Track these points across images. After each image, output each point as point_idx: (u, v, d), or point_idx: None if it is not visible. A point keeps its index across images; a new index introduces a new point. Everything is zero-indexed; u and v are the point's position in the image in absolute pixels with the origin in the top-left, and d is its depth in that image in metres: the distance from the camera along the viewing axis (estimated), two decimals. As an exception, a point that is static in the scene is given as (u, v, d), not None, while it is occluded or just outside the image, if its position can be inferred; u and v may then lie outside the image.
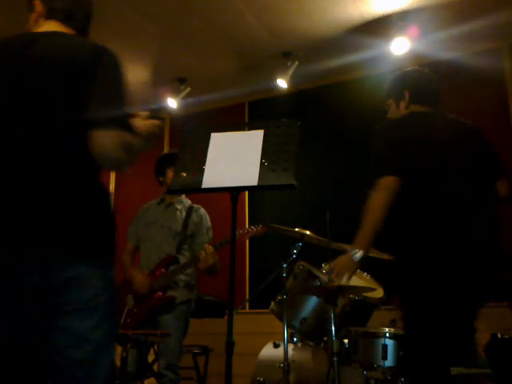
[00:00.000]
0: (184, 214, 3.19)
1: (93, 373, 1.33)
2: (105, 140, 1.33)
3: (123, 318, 2.94)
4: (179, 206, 3.22)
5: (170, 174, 3.17)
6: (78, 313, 1.31)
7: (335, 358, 2.27)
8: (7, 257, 1.31)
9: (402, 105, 2.34)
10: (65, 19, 1.54)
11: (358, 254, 2.12)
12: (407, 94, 2.33)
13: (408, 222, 2.03)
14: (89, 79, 1.39)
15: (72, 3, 1.56)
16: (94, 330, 1.33)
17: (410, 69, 2.46)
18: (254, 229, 3.03)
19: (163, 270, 3.04)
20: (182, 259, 3.10)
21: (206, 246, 2.95)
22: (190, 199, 3.37)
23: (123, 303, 3.01)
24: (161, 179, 3.29)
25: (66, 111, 1.37)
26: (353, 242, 2.15)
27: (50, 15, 1.53)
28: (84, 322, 1.32)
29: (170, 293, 3.01)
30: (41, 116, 1.37)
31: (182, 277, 3.05)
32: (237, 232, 2.96)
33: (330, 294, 2.39)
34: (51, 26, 1.52)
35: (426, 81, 2.36)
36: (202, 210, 3.28)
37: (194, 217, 3.19)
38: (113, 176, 5.05)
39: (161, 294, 3.00)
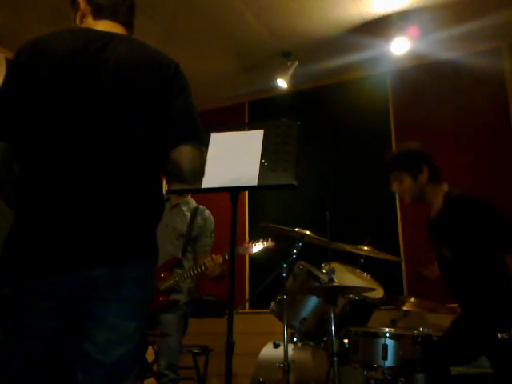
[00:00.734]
0: (189, 215, 3.18)
1: (127, 372, 1.35)
2: (191, 154, 1.41)
3: None
4: (185, 207, 3.21)
5: None
6: (128, 311, 1.34)
7: (335, 358, 2.27)
8: (68, 255, 1.29)
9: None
10: (111, 15, 1.51)
11: None
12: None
13: None
14: (169, 93, 1.45)
15: None
16: (137, 331, 1.36)
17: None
18: (266, 243, 3.04)
19: (168, 272, 3.03)
20: (186, 262, 3.10)
21: (215, 256, 2.95)
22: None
23: None
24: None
25: (145, 125, 1.41)
26: None
27: (96, 13, 1.51)
28: (131, 322, 1.35)
29: (174, 296, 3.02)
30: (119, 124, 1.38)
31: (187, 280, 3.06)
32: (247, 245, 3.01)
33: (330, 293, 2.39)
34: (107, 26, 1.50)
35: None
36: (207, 212, 3.27)
37: (198, 219, 3.18)
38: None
39: (166, 297, 3.00)
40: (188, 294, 3.09)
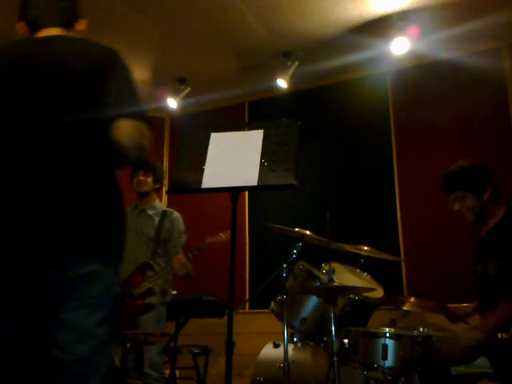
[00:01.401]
0: (157, 219, 3.27)
1: (95, 368, 1.34)
2: (128, 126, 1.39)
3: None
4: (151, 212, 3.30)
5: (134, 181, 3.30)
6: (85, 308, 1.34)
7: (335, 358, 2.27)
8: (20, 254, 1.32)
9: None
10: (45, 24, 1.58)
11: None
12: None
13: None
14: (105, 79, 1.45)
15: (42, 7, 1.61)
16: (99, 326, 1.35)
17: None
18: (223, 236, 3.15)
19: (140, 276, 3.09)
20: (158, 265, 3.18)
21: (178, 256, 3.05)
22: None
23: None
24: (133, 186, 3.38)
25: (83, 109, 1.42)
26: None
27: (33, 27, 1.60)
28: (90, 318, 1.34)
29: (149, 299, 3.09)
30: (56, 115, 1.40)
31: (159, 281, 3.13)
32: (206, 240, 3.11)
33: (330, 293, 2.39)
34: (46, 33, 1.58)
35: None
36: (175, 215, 3.34)
37: (166, 222, 3.26)
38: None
39: (140, 302, 3.05)
40: (162, 295, 3.18)
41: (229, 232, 3.12)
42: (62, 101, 1.42)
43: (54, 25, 1.59)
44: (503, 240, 2.32)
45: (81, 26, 1.67)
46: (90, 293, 1.35)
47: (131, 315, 3.05)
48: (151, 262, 3.15)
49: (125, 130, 1.39)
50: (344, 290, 2.49)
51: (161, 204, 3.41)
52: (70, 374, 1.33)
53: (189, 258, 3.02)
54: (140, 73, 4.50)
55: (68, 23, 1.62)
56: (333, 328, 2.33)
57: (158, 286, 3.15)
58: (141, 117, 1.44)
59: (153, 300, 3.11)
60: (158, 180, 3.35)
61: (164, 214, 3.28)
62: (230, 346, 1.68)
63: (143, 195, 3.31)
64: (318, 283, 2.78)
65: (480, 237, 2.51)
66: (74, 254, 1.34)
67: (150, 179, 3.30)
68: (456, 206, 2.47)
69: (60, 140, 1.39)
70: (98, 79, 1.44)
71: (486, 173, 2.49)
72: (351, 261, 3.16)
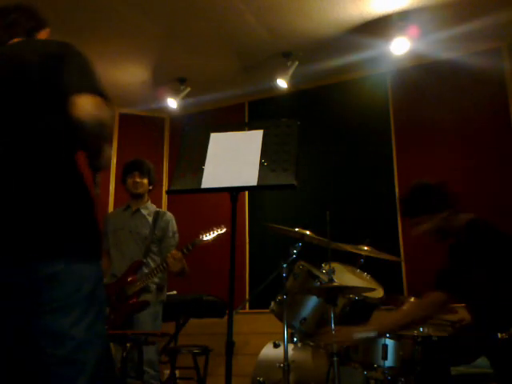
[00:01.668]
0: (150, 219, 3.30)
1: (80, 369, 1.32)
2: (86, 101, 1.37)
3: None
4: (145, 212, 3.33)
5: (129, 182, 3.31)
6: (56, 311, 1.31)
7: (335, 358, 2.27)
8: None
9: None
10: (11, 37, 1.62)
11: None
12: None
13: None
14: (58, 66, 1.44)
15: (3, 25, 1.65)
16: (75, 326, 1.32)
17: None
18: (217, 230, 3.15)
19: (134, 275, 3.11)
20: (152, 263, 3.21)
21: (173, 251, 3.05)
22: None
23: None
24: (125, 186, 3.39)
25: (37, 96, 1.42)
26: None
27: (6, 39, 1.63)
28: (63, 320, 1.31)
29: (144, 296, 3.10)
30: (6, 101, 1.41)
31: (155, 279, 3.15)
32: (200, 236, 3.11)
33: (331, 293, 2.39)
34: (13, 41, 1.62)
35: None
36: (169, 215, 3.38)
37: (160, 222, 3.30)
38: (113, 177, 5.05)
39: (135, 300, 3.07)
40: (157, 292, 3.19)
41: (223, 226, 3.15)
42: (14, 89, 1.42)
43: (18, 36, 1.64)
44: (469, 253, 2.30)
45: (42, 35, 1.72)
46: (58, 295, 1.32)
47: (127, 314, 3.05)
48: (144, 260, 3.17)
49: (81, 105, 1.36)
50: (344, 290, 2.49)
51: (153, 204, 3.44)
52: (55, 378, 1.31)
53: (184, 253, 3.03)
54: (140, 73, 4.50)
55: (29, 34, 1.67)
56: (333, 327, 2.33)
57: (153, 283, 3.17)
58: (99, 93, 1.41)
59: (148, 298, 3.12)
60: (152, 182, 3.38)
61: (157, 214, 3.32)
62: (229, 346, 1.68)
63: (137, 196, 3.33)
64: (318, 283, 2.78)
65: (450, 244, 2.49)
66: (32, 255, 1.31)
67: (145, 181, 3.33)
68: (416, 231, 2.44)
69: (12, 130, 1.39)
70: (51, 66, 1.44)
71: (439, 192, 2.44)
72: (351, 261, 3.16)
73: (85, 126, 1.36)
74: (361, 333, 2.25)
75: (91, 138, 1.40)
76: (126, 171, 3.36)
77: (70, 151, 1.44)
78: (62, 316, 1.32)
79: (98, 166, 1.57)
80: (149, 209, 3.36)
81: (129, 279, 3.09)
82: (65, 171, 1.42)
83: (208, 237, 3.13)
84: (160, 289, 3.22)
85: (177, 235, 3.35)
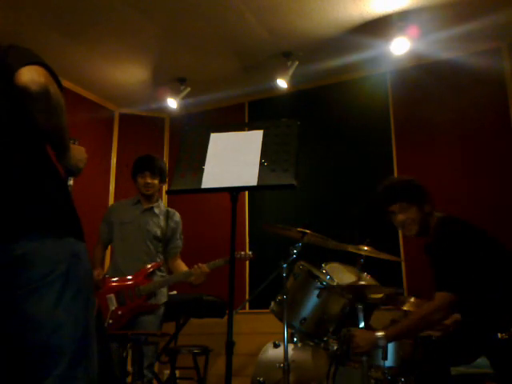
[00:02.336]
0: (161, 218, 3.28)
1: (58, 354, 1.28)
2: (28, 69, 1.33)
3: (108, 318, 3.01)
4: (157, 210, 3.31)
5: (140, 182, 3.28)
6: (32, 293, 1.27)
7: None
8: None
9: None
10: None
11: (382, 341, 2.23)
12: None
13: None
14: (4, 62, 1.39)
15: None
16: (51, 310, 1.28)
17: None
18: (247, 254, 3.25)
19: (149, 277, 3.12)
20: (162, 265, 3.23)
21: (202, 265, 3.06)
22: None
23: (105, 303, 3.06)
24: (135, 184, 3.36)
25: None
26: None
27: None
28: (39, 303, 1.27)
29: (153, 299, 3.12)
30: None
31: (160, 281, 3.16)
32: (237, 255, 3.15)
33: (359, 292, 2.39)
34: None
35: None
36: (178, 216, 3.38)
37: (170, 222, 3.29)
38: (113, 177, 5.05)
39: (147, 301, 3.08)
40: (162, 294, 3.20)
41: (250, 253, 3.25)
42: None
43: None
44: (437, 255, 2.31)
45: None
46: (32, 276, 1.27)
47: (135, 313, 3.05)
48: (161, 262, 3.19)
49: (23, 73, 1.32)
50: (370, 288, 2.48)
51: (162, 203, 3.42)
52: (32, 363, 1.27)
53: (209, 267, 3.06)
54: (140, 73, 4.50)
55: None
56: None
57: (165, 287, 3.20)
58: (43, 66, 1.37)
59: (162, 300, 3.15)
60: (163, 180, 3.34)
61: (167, 214, 3.30)
62: (229, 346, 1.68)
63: (150, 196, 3.31)
64: (318, 283, 2.78)
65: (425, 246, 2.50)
66: (2, 235, 1.27)
67: (156, 181, 3.28)
68: (400, 217, 2.44)
69: None
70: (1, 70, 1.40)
71: (422, 187, 2.48)
72: (351, 261, 3.16)
73: (28, 92, 1.31)
74: (382, 339, 2.23)
75: (39, 107, 1.34)
76: (136, 168, 3.30)
77: (34, 137, 1.41)
78: (38, 299, 1.27)
79: (67, 166, 1.53)
80: (160, 207, 3.33)
81: (145, 280, 3.09)
82: (33, 155, 1.39)
83: (240, 256, 3.20)
84: (166, 292, 3.24)
85: (182, 236, 3.38)
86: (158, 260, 3.22)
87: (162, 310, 3.18)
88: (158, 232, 3.23)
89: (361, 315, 2.34)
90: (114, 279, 3.12)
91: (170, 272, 3.34)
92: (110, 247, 3.46)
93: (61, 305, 1.30)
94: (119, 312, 3.03)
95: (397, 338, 2.31)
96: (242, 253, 3.22)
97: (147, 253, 3.18)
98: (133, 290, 3.06)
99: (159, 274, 3.18)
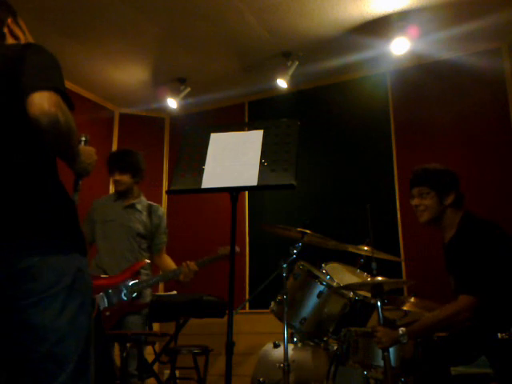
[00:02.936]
0: (144, 213, 3.23)
1: (61, 364, 1.31)
2: (40, 98, 1.34)
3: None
4: (139, 206, 3.25)
5: (111, 178, 3.23)
6: (36, 305, 1.30)
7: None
8: None
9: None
10: None
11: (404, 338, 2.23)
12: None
13: None
14: (18, 69, 1.40)
15: None
16: (56, 320, 1.31)
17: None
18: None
19: (137, 275, 3.05)
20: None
21: (190, 263, 3.00)
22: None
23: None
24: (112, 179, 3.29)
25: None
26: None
27: None
28: (43, 313, 1.30)
29: (141, 298, 3.07)
30: None
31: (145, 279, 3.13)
32: (219, 252, 3.06)
33: (376, 288, 2.39)
34: None
35: None
36: (161, 210, 3.32)
37: (153, 217, 3.23)
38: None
39: (136, 301, 3.01)
40: (148, 293, 3.14)
41: (237, 248, 3.08)
42: None
43: None
44: (458, 256, 2.32)
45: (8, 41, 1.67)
46: (36, 288, 1.30)
47: (123, 313, 2.99)
48: (147, 261, 3.13)
49: (34, 102, 1.33)
50: (387, 284, 2.49)
51: (144, 198, 3.34)
52: (36, 373, 1.30)
53: (198, 265, 3.00)
54: (140, 73, 4.50)
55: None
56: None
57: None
58: (55, 89, 1.38)
59: (147, 299, 3.10)
60: (136, 174, 3.23)
61: (150, 209, 3.25)
62: (229, 346, 1.68)
63: (124, 193, 3.24)
64: (318, 282, 2.78)
65: (444, 244, 2.51)
66: (7, 249, 1.30)
67: (126, 177, 3.18)
68: (416, 201, 2.48)
69: None
70: (12, 73, 1.41)
71: (454, 179, 2.49)
72: (351, 261, 3.17)
73: (39, 124, 1.33)
74: (404, 335, 2.24)
75: (50, 137, 1.36)
76: (108, 170, 3.23)
77: (43, 154, 1.43)
78: (42, 310, 1.30)
79: (76, 170, 1.56)
80: (142, 203, 3.27)
81: (133, 278, 3.03)
82: (40, 172, 1.41)
83: (224, 252, 3.07)
84: (151, 291, 3.19)
85: (167, 231, 3.31)
86: (142, 257, 3.16)
87: (146, 309, 3.12)
88: (141, 229, 3.17)
89: (380, 311, 2.33)
90: (101, 278, 3.06)
91: (155, 268, 3.29)
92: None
93: (64, 316, 1.33)
94: (107, 313, 2.97)
95: (419, 335, 2.31)
96: (228, 247, 3.08)
97: (131, 250, 3.12)
98: (121, 290, 2.99)
99: (144, 272, 3.11)
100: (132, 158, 3.24)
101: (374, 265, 2.46)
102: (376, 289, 2.38)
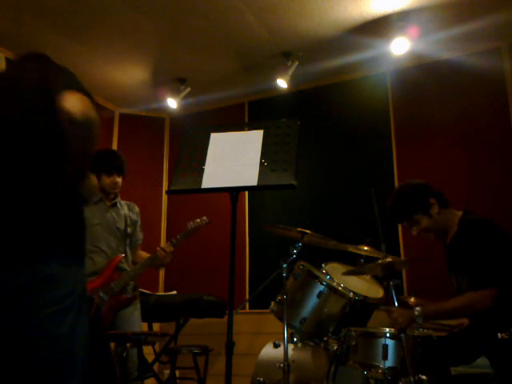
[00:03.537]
0: (126, 209, 3.26)
1: (71, 370, 1.32)
2: (75, 97, 1.38)
3: None
4: (119, 206, 3.26)
5: (105, 179, 3.16)
6: (56, 313, 1.31)
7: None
8: None
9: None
10: None
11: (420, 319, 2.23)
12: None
13: None
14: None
15: None
16: (71, 329, 1.32)
17: None
18: (204, 220, 3.11)
19: (117, 271, 3.02)
20: (129, 257, 3.21)
21: (163, 245, 3.03)
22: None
23: None
24: (99, 180, 3.24)
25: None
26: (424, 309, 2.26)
27: None
28: (60, 321, 1.31)
29: (128, 291, 3.06)
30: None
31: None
32: (188, 226, 3.08)
33: (388, 269, 2.38)
34: None
35: None
36: (137, 208, 3.36)
37: (132, 215, 3.27)
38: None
39: (124, 296, 3.00)
40: (135, 286, 3.15)
41: (205, 218, 3.12)
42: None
43: None
44: (463, 254, 2.32)
45: None
46: (56, 296, 1.32)
47: (116, 311, 2.97)
48: (123, 255, 3.11)
49: (70, 100, 1.36)
50: (399, 263, 2.48)
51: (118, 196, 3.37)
52: (42, 380, 1.30)
53: (173, 246, 3.01)
54: (140, 73, 4.50)
55: None
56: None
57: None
58: (87, 94, 1.43)
59: (131, 293, 3.08)
60: (124, 175, 3.25)
61: (129, 207, 3.28)
62: (229, 346, 1.68)
63: (110, 193, 3.23)
64: (318, 283, 2.78)
65: (445, 245, 2.51)
66: (28, 256, 1.31)
67: (121, 179, 3.21)
68: (413, 232, 2.49)
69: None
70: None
71: (422, 189, 2.48)
72: (351, 261, 3.16)
73: (74, 121, 1.34)
74: (420, 315, 2.23)
75: (78, 133, 1.38)
76: (101, 166, 3.18)
77: (59, 164, 1.43)
78: (62, 319, 1.31)
79: (82, 194, 1.56)
80: (121, 202, 3.29)
81: (113, 275, 2.99)
82: (56, 185, 1.42)
83: (193, 225, 3.09)
84: (135, 287, 3.17)
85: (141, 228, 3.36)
86: (123, 253, 3.15)
87: (138, 302, 3.13)
88: (128, 226, 3.20)
89: (392, 292, 2.33)
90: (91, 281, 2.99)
91: (133, 264, 3.26)
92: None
93: (79, 325, 1.35)
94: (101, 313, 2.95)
95: (434, 316, 2.31)
96: (198, 220, 3.11)
97: (120, 249, 3.14)
98: (106, 289, 2.94)
99: (125, 265, 3.12)
100: (124, 160, 3.25)
101: (383, 247, 2.46)
102: (387, 269, 2.38)
